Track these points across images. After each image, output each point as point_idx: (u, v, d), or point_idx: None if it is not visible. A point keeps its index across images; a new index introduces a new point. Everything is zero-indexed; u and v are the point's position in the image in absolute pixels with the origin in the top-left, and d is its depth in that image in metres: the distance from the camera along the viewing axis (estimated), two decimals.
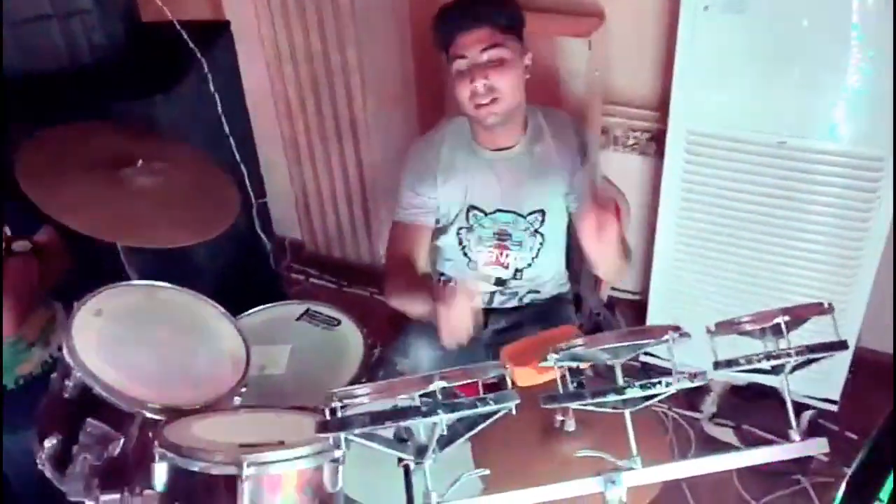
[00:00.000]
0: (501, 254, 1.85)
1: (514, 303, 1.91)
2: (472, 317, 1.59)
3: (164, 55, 2.04)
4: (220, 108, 2.10)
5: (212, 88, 2.06)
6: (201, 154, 1.83)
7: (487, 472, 1.15)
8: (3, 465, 1.73)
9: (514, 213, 1.81)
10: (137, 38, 2.05)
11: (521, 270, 1.87)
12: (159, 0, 2.03)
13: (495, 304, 1.91)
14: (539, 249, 1.84)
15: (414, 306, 1.74)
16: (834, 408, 2.24)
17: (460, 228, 1.85)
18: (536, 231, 1.82)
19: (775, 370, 1.16)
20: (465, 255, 1.88)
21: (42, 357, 1.81)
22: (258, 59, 2.62)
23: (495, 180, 1.79)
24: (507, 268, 1.86)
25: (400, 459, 1.16)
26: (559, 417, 1.34)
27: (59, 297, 1.88)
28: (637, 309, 2.54)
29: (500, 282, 1.89)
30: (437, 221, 1.86)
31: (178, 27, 2.02)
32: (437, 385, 1.04)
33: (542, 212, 1.81)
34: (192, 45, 2.00)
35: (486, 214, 1.82)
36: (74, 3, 1.88)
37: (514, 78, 1.67)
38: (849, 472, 1.32)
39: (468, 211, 1.82)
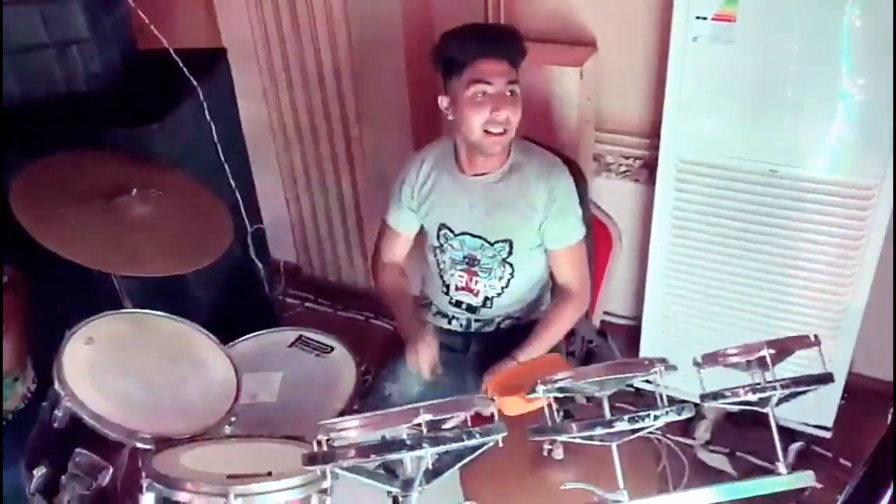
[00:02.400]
0: (471, 280, 1.87)
1: (491, 329, 1.92)
2: (431, 362, 1.77)
3: (161, 83, 2.06)
4: (215, 136, 2.11)
5: (208, 116, 2.07)
6: (196, 182, 1.84)
7: (475, 503, 1.15)
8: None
9: (481, 238, 1.83)
10: (134, 67, 2.07)
11: (490, 299, 1.88)
12: (155, 29, 2.05)
13: (473, 329, 1.93)
14: (509, 280, 1.86)
15: (394, 315, 1.96)
16: (827, 434, 2.24)
17: (434, 248, 1.90)
18: (504, 261, 1.84)
19: (762, 402, 1.16)
20: (441, 277, 1.91)
21: (23, 391, 1.81)
22: (255, 86, 2.65)
23: (466, 203, 1.82)
24: (476, 295, 1.88)
25: (388, 492, 1.16)
26: (547, 446, 1.34)
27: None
28: (630, 334, 2.54)
29: (471, 309, 1.90)
30: (422, 229, 1.94)
31: (175, 55, 2.03)
32: (424, 418, 1.04)
33: (510, 242, 1.82)
34: (187, 73, 2.01)
35: (454, 235, 1.85)
36: (71, 32, 1.89)
37: (520, 114, 1.72)
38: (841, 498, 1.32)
39: (439, 230, 1.87)
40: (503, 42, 1.72)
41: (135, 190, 1.64)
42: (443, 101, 1.76)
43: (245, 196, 2.28)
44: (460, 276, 1.88)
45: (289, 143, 2.77)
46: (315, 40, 2.47)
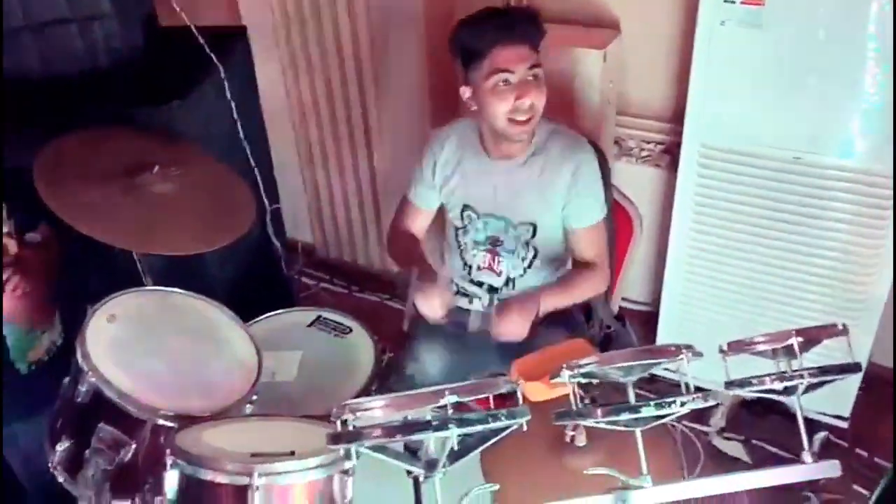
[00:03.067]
0: (493, 259, 1.87)
1: None
2: (442, 306, 1.72)
3: (182, 61, 2.05)
4: (235, 114, 2.10)
5: (228, 94, 2.06)
6: (217, 160, 1.83)
7: (497, 486, 1.15)
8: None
9: (504, 219, 1.82)
10: (155, 44, 2.06)
11: (513, 280, 1.88)
12: (177, 6, 2.03)
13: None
14: (531, 261, 1.85)
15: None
16: (844, 424, 2.23)
17: (457, 228, 1.89)
18: (528, 242, 1.83)
19: (787, 391, 1.15)
20: (462, 258, 1.90)
21: (48, 344, 1.83)
22: (274, 64, 2.63)
23: (491, 185, 1.81)
24: (499, 275, 1.88)
25: (410, 472, 1.16)
26: (570, 432, 1.34)
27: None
28: (648, 320, 2.54)
29: (492, 289, 1.90)
30: (441, 208, 1.92)
31: (196, 33, 2.02)
32: (449, 399, 1.04)
33: (533, 225, 1.81)
34: (209, 51, 2.00)
35: (478, 216, 1.84)
36: (94, 7, 1.88)
37: (545, 97, 1.69)
38: (858, 489, 1.31)
39: (462, 211, 1.85)
40: (521, 26, 1.68)
41: (157, 167, 1.63)
42: (465, 92, 1.73)
43: (264, 175, 2.28)
44: (483, 256, 1.87)
45: (307, 123, 2.76)
46: (335, 21, 2.45)
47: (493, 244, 1.85)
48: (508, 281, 1.88)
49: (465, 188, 1.84)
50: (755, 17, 1.80)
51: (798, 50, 1.82)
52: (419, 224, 1.96)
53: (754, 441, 2.31)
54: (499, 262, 1.87)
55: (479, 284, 1.90)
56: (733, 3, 1.80)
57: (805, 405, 1.16)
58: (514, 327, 1.69)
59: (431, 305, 1.72)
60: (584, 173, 1.77)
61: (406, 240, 1.94)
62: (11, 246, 1.66)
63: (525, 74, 1.65)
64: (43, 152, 1.59)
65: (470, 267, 1.90)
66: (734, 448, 2.31)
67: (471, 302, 1.92)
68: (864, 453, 2.20)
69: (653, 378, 2.27)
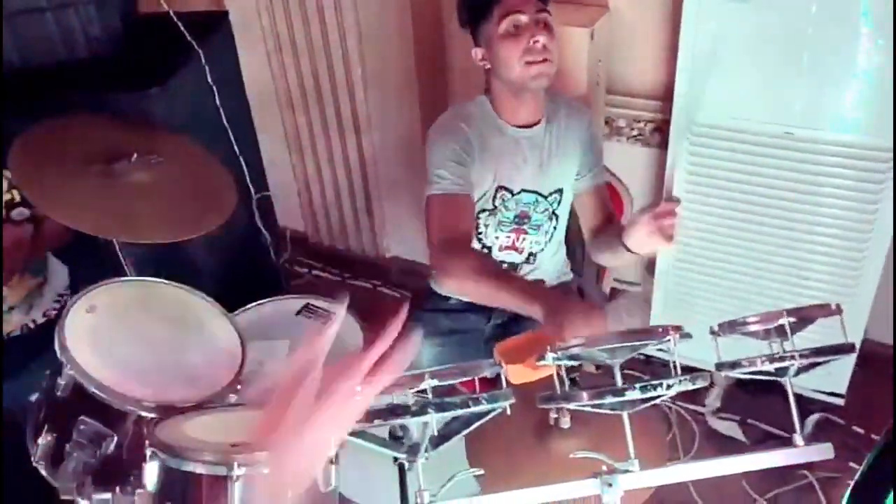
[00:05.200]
0: (518, 238, 1.86)
1: None
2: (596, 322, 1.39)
3: (161, 47, 2.02)
4: (217, 101, 2.07)
5: (209, 80, 2.03)
6: (197, 147, 1.80)
7: (481, 471, 1.13)
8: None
9: (536, 193, 1.81)
10: (134, 30, 2.02)
11: (534, 255, 1.88)
12: None
13: None
14: (553, 232, 1.87)
15: (500, 297, 1.55)
16: (841, 402, 2.22)
17: (482, 212, 1.81)
18: (553, 213, 1.84)
19: (780, 372, 1.13)
20: (479, 240, 1.86)
21: (21, 321, 1.84)
22: (259, 50, 2.60)
23: (522, 160, 1.79)
24: (521, 252, 1.87)
25: (396, 458, 1.15)
26: (553, 415, 1.32)
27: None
28: (640, 301, 2.51)
29: (511, 267, 1.88)
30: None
31: (175, 18, 1.99)
32: (429, 383, 1.02)
33: (560, 191, 1.83)
34: (188, 36, 1.97)
35: (512, 195, 1.81)
36: None
37: (556, 44, 1.70)
38: (855, 466, 1.29)
39: (496, 192, 1.80)
40: None
41: (135, 155, 1.60)
42: (477, 53, 1.73)
43: (250, 162, 2.25)
44: (507, 236, 1.85)
45: (294, 109, 2.73)
46: (319, 5, 2.42)
47: (520, 223, 1.84)
48: (530, 256, 1.88)
49: (495, 168, 1.76)
50: None
51: (788, 23, 1.79)
52: (470, 216, 1.73)
53: (750, 421, 2.29)
54: (523, 239, 1.86)
55: (500, 263, 1.87)
56: None
57: (801, 383, 1.14)
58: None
59: (585, 326, 1.35)
60: (594, 131, 1.87)
61: (475, 256, 1.70)
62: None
63: (535, 17, 1.66)
64: (18, 140, 1.55)
65: (489, 248, 1.87)
66: (730, 428, 2.31)
67: None
68: (861, 430, 2.18)
69: (647, 359, 2.28)
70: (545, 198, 1.82)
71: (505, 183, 1.79)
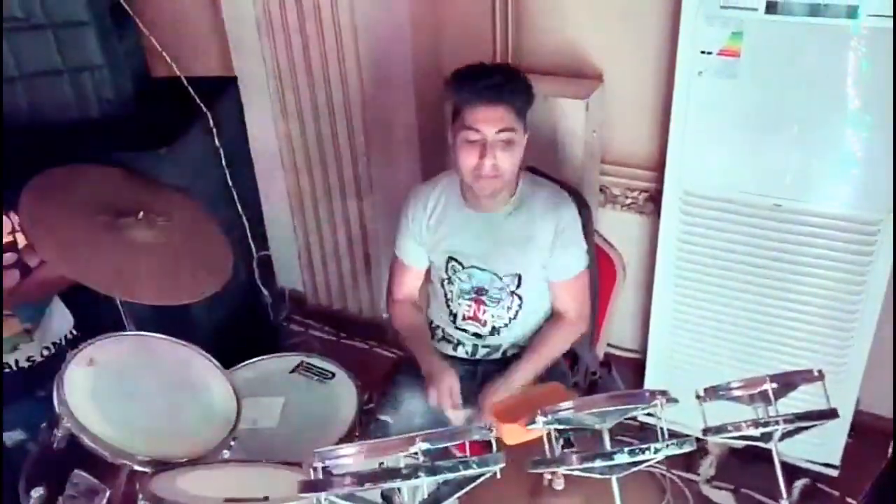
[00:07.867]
0: (479, 309, 1.87)
1: (497, 356, 1.91)
2: (453, 397, 1.73)
3: (172, 110, 2.09)
4: (224, 162, 2.13)
5: (217, 142, 2.10)
6: (201, 211, 1.84)
7: None
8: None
9: (489, 271, 1.83)
10: (146, 93, 2.10)
11: (498, 329, 1.88)
12: (167, 56, 2.08)
13: (479, 356, 1.92)
14: (517, 311, 1.86)
15: (413, 352, 1.87)
16: (834, 472, 2.21)
17: (442, 280, 1.89)
18: (513, 293, 1.84)
19: (765, 437, 1.15)
20: (448, 306, 1.90)
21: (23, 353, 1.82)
22: (265, 114, 2.67)
23: (474, 238, 1.82)
24: (484, 325, 1.88)
25: None
26: (548, 476, 1.33)
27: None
28: (635, 367, 2.53)
29: (477, 336, 1.90)
30: (431, 263, 1.92)
31: (185, 82, 2.06)
32: (420, 447, 1.03)
33: (519, 276, 1.82)
34: (197, 99, 2.04)
35: (463, 268, 1.85)
36: (85, 58, 1.93)
37: (517, 158, 1.73)
38: None
39: (447, 262, 1.86)
40: (497, 87, 1.68)
41: (142, 213, 1.65)
42: (449, 138, 1.78)
43: (252, 222, 2.30)
44: (468, 305, 1.87)
45: (297, 172, 2.78)
46: (326, 74, 2.50)
47: (479, 294, 1.86)
48: (493, 330, 1.88)
49: (449, 239, 1.85)
50: (731, 68, 1.83)
51: (775, 99, 1.85)
52: (411, 283, 1.96)
53: (743, 490, 2.28)
54: (484, 311, 1.87)
55: (465, 330, 1.91)
56: (710, 54, 1.84)
57: (794, 453, 1.16)
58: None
59: (441, 399, 1.73)
60: (567, 227, 1.80)
61: (407, 314, 1.95)
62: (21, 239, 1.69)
63: (494, 137, 1.67)
64: (30, 185, 1.59)
65: (455, 315, 1.91)
66: (724, 497, 2.28)
67: (455, 349, 1.92)
68: (854, 502, 2.17)
69: (643, 427, 2.28)
70: (500, 278, 1.83)
71: (454, 255, 1.85)
